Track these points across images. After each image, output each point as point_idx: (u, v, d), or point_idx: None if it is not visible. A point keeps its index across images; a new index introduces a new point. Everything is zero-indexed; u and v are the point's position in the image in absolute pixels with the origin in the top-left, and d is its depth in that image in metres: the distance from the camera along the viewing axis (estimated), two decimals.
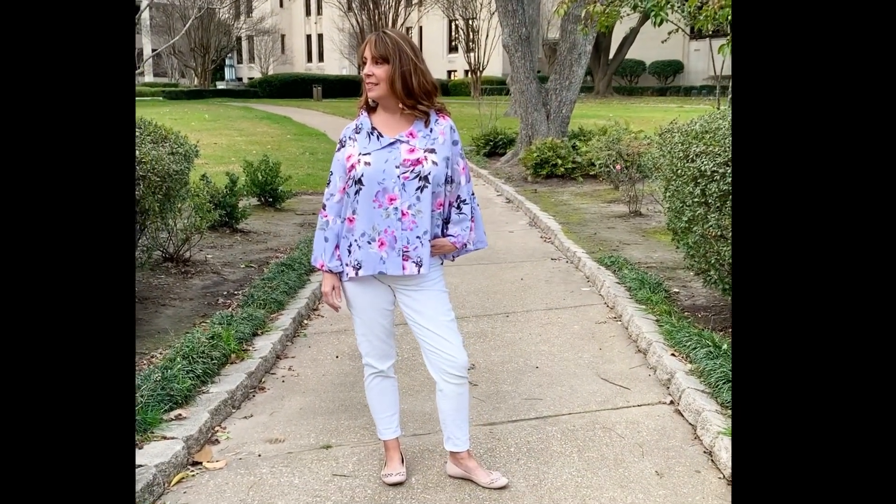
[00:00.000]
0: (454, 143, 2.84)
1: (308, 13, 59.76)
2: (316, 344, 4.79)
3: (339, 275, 2.87)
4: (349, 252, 2.81)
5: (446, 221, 2.90)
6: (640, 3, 7.38)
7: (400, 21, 42.08)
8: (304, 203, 10.02)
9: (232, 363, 4.19)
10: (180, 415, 3.48)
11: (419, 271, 2.77)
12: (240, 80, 54.73)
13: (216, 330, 4.36)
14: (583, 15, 8.19)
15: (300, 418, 3.67)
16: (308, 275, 6.16)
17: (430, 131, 2.78)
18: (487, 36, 36.94)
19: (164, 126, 5.71)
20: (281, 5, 59.02)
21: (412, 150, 2.74)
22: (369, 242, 2.76)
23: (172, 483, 3.04)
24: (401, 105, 2.74)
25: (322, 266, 2.85)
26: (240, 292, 5.62)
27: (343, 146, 2.82)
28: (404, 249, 2.75)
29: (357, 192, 2.74)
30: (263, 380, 4.17)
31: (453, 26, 46.51)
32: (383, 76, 2.69)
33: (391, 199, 2.72)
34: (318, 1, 56.07)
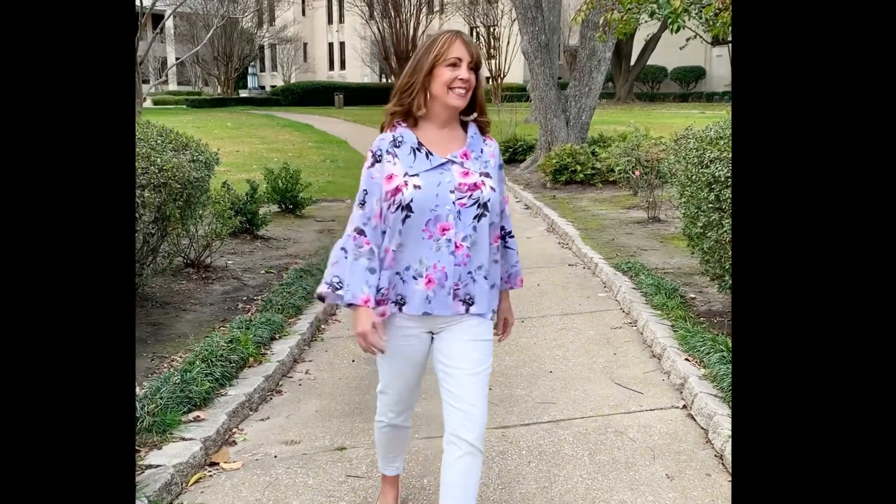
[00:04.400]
0: (500, 167, 2.50)
1: (330, 21, 60.20)
2: (332, 348, 4.86)
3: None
4: (391, 286, 2.37)
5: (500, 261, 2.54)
6: (657, 11, 7.39)
7: (421, 28, 42.29)
8: (323, 210, 10.12)
9: (250, 367, 4.26)
10: (198, 417, 3.55)
11: (467, 311, 2.39)
12: (262, 88, 55.24)
13: (235, 334, 4.44)
14: (601, 22, 8.21)
15: (315, 420, 3.73)
16: None
17: (482, 152, 2.43)
18: (508, 43, 37.04)
19: (186, 134, 5.82)
20: (303, 14, 59.50)
21: (466, 174, 2.36)
22: (415, 278, 2.34)
23: (190, 483, 3.11)
24: (474, 117, 2.47)
25: (367, 302, 2.31)
26: (259, 297, 5.70)
27: (378, 161, 2.36)
28: (454, 287, 2.36)
29: (404, 220, 2.31)
30: (280, 383, 4.24)
31: (475, 33, 46.65)
32: (473, 83, 2.37)
33: (444, 230, 2.32)
34: (340, 9, 56.51)
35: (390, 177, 2.33)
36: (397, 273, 2.36)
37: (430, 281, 2.34)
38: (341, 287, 2.37)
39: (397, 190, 2.30)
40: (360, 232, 2.36)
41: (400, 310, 2.38)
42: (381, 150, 2.37)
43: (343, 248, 2.40)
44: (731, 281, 4.67)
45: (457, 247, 2.33)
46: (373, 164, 2.37)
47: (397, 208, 2.30)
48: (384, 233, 2.36)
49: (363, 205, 2.37)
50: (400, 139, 2.37)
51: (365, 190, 2.37)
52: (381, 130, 2.45)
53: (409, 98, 2.37)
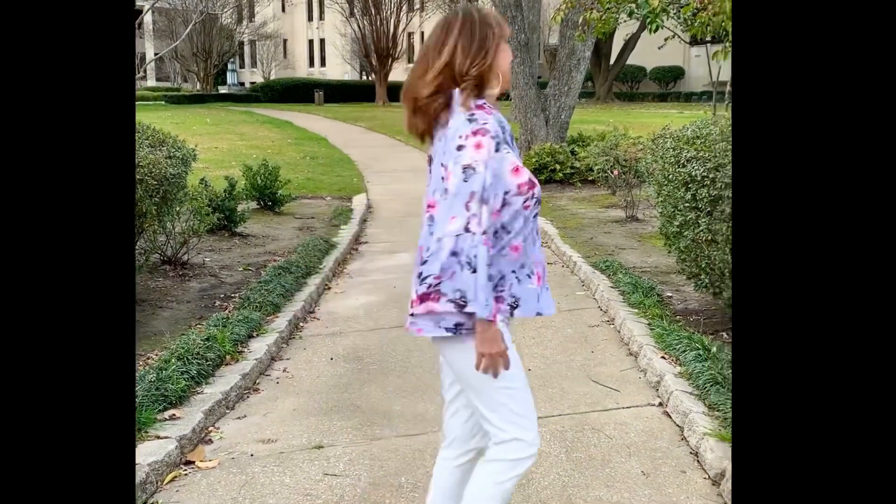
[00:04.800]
0: None
1: (310, 18, 59.92)
2: (311, 346, 4.84)
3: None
4: (507, 287, 2.13)
5: None
6: (636, 10, 7.42)
7: (402, 26, 42.22)
8: (303, 207, 10.08)
9: (227, 364, 4.23)
10: (174, 415, 3.53)
11: None
12: (242, 84, 54.88)
13: (211, 332, 4.41)
14: (580, 21, 8.24)
15: (293, 419, 3.71)
16: (304, 278, 6.20)
17: None
18: None
19: (163, 130, 5.78)
20: (283, 10, 59.19)
21: None
22: (528, 276, 2.14)
23: (165, 482, 3.09)
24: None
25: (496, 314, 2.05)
26: (237, 295, 5.67)
27: (498, 150, 2.03)
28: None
29: (535, 216, 2.13)
30: (258, 381, 4.22)
31: None
32: None
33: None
34: (321, 6, 56.24)
35: (517, 169, 2.06)
36: (513, 271, 2.12)
37: (539, 278, 2.17)
38: (466, 302, 1.97)
39: (532, 184, 2.07)
40: (485, 233, 1.99)
41: (512, 313, 2.15)
42: (499, 135, 2.03)
43: (455, 254, 1.97)
44: (706, 279, 4.71)
45: (541, 241, 2.25)
46: (496, 151, 2.02)
47: (536, 203, 2.10)
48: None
49: (491, 200, 2.00)
50: (503, 124, 2.08)
51: (492, 182, 2.00)
52: (433, 113, 2.09)
53: (479, 70, 2.04)
